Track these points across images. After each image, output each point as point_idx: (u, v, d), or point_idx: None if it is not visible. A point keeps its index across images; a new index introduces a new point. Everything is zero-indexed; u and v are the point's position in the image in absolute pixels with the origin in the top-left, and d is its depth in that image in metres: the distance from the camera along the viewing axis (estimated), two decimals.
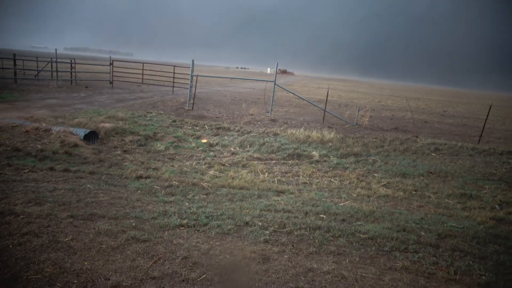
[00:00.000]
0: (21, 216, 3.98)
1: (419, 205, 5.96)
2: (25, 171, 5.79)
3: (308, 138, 9.83)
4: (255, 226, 4.29)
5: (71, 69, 21.93)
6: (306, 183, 6.91)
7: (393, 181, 7.26)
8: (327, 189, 6.56)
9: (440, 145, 10.36)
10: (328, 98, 14.33)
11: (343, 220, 4.84)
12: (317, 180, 7.10)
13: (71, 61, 22.34)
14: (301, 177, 7.28)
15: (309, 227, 4.36)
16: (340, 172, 7.75)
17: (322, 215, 4.90)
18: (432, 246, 4.10)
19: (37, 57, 24.35)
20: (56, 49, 21.34)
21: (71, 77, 21.49)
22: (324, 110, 13.22)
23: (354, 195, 6.33)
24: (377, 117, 16.22)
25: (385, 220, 4.92)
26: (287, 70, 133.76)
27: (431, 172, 8.00)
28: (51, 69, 21.46)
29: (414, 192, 6.68)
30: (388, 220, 4.93)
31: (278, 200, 5.53)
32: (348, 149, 9.28)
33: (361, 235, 4.26)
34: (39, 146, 7.05)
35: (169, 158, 7.85)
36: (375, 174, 7.66)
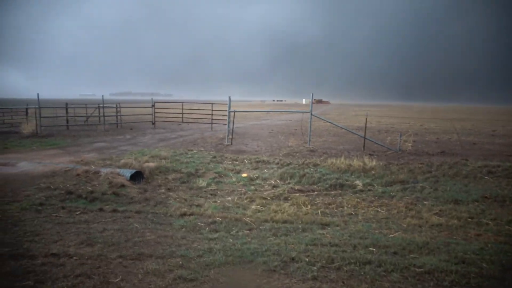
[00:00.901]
0: (74, 257, 4.14)
1: (477, 233, 5.54)
2: (77, 212, 6.07)
3: (350, 167, 9.61)
4: (301, 262, 4.17)
5: (117, 113, 23.25)
6: (352, 214, 6.67)
7: (445, 208, 6.84)
8: (374, 220, 6.29)
9: (493, 167, 9.72)
10: (367, 125, 14.06)
11: (395, 253, 4.59)
12: (362, 211, 6.84)
13: (116, 105, 23.74)
14: (345, 208, 7.05)
15: (359, 262, 4.17)
16: (386, 201, 7.45)
17: (371, 248, 4.68)
18: (496, 279, 3.76)
19: (86, 104, 26.15)
20: (102, 96, 22.82)
21: (117, 121, 22.73)
22: (364, 138, 12.95)
23: (404, 225, 6.01)
24: (421, 142, 15.63)
25: (441, 251, 4.61)
26: (323, 100, 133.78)
27: (486, 197, 7.48)
28: (99, 114, 22.87)
29: (469, 220, 6.24)
30: (444, 251, 4.61)
31: (323, 233, 5.37)
32: (393, 176, 8.93)
33: (416, 269, 4.00)
34: (89, 188, 7.40)
35: (211, 194, 7.93)
36: (425, 202, 7.28)
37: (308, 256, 4.34)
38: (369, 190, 8.17)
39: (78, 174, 8.31)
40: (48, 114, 23.70)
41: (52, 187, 7.41)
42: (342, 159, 10.16)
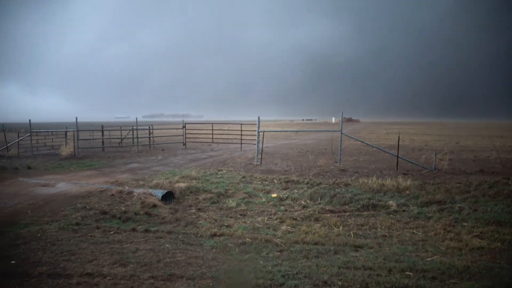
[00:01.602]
0: (108, 277, 4.21)
1: None
2: (111, 232, 6.21)
3: (383, 187, 9.34)
4: (334, 286, 4.04)
5: (149, 135, 23.95)
6: (386, 236, 6.43)
7: (486, 230, 6.47)
8: (410, 242, 6.03)
9: None
10: (399, 143, 13.70)
11: (433, 277, 4.36)
12: (397, 233, 6.59)
13: (149, 127, 24.48)
14: (379, 229, 6.82)
15: (394, 287, 3.99)
16: (422, 222, 7.14)
17: (408, 272, 4.48)
18: None
19: (120, 127, 27.13)
20: (136, 118, 23.63)
21: (149, 142, 23.39)
22: (397, 156, 12.60)
23: (443, 248, 5.72)
24: (457, 160, 15.01)
25: (483, 276, 4.34)
26: (352, 118, 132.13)
27: None
28: (132, 136, 23.66)
29: None
30: (488, 276, 4.34)
31: (356, 256, 5.20)
32: (429, 196, 8.58)
33: None
34: (123, 208, 7.58)
35: (241, 215, 7.91)
36: (464, 224, 6.91)
37: (341, 280, 4.20)
38: (403, 210, 7.89)
39: (112, 195, 8.56)
40: (85, 136, 24.75)
41: (87, 207, 7.65)
42: (374, 178, 9.90)
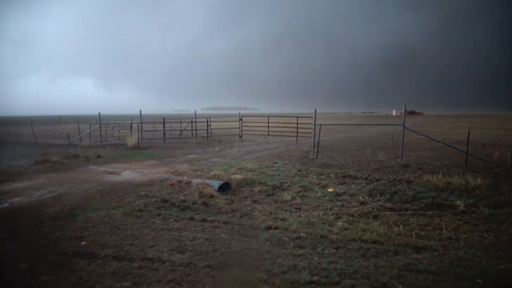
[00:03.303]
0: (166, 263, 4.39)
1: None
2: (171, 220, 6.47)
3: (449, 185, 8.68)
4: None
5: (207, 127, 24.66)
6: (452, 238, 5.97)
7: None
8: (479, 247, 5.54)
9: None
10: (469, 138, 12.65)
11: (508, 287, 3.96)
12: (465, 235, 6.09)
13: (207, 120, 25.21)
14: (444, 231, 6.36)
15: None
16: (494, 225, 6.54)
17: (478, 280, 4.11)
18: None
19: (180, 119, 28.27)
20: (195, 111, 24.44)
21: (207, 134, 24.08)
22: (466, 152, 11.66)
23: None
24: None
25: None
26: (415, 111, 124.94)
27: None
28: (191, 128, 24.49)
29: None
30: None
31: (419, 258, 4.89)
32: (503, 197, 7.82)
33: None
34: (182, 197, 7.87)
35: (296, 208, 7.83)
36: None
37: (401, 283, 3.97)
38: (472, 212, 7.28)
39: (172, 184, 8.92)
40: (149, 128, 26.09)
41: (150, 195, 8.06)
42: (440, 176, 9.24)
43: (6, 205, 7.31)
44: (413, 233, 6.18)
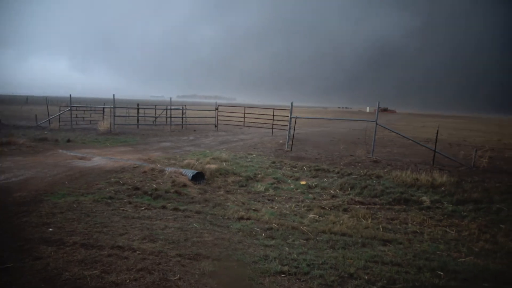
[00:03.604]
0: (137, 251, 4.34)
1: None
2: (142, 208, 6.39)
3: (416, 182, 9.01)
4: (360, 279, 3.95)
5: (182, 115, 24.35)
6: (417, 232, 6.23)
7: None
8: (442, 241, 5.81)
9: None
10: (437, 137, 13.11)
11: (465, 279, 4.19)
12: (429, 230, 6.36)
13: (182, 107, 24.87)
14: (410, 225, 6.62)
15: (424, 286, 3.86)
16: (457, 221, 6.86)
17: (439, 272, 4.31)
18: None
19: (155, 106, 27.72)
20: (171, 98, 24.04)
21: (182, 122, 23.79)
22: (434, 151, 12.10)
23: (477, 249, 5.47)
24: (499, 158, 14.23)
25: None
26: (388, 108, 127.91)
27: None
28: (166, 115, 24.09)
29: None
30: None
31: (385, 251, 5.07)
32: (465, 195, 8.19)
33: None
34: (154, 186, 7.77)
35: (269, 200, 7.91)
36: (501, 225, 6.56)
37: (367, 274, 4.10)
38: (437, 207, 7.60)
39: (144, 172, 8.78)
40: (122, 113, 25.48)
41: (121, 182, 7.90)
42: (409, 172, 9.57)
43: None
44: (381, 226, 6.40)
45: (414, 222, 6.73)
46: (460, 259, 4.92)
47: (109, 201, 6.63)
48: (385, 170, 10.35)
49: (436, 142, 12.81)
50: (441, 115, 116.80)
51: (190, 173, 8.70)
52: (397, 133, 14.20)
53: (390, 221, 6.81)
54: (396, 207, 7.66)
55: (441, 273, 4.28)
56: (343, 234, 5.76)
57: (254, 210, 6.97)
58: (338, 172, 10.15)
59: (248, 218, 6.29)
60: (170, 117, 22.57)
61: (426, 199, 7.93)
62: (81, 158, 10.55)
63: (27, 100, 66.48)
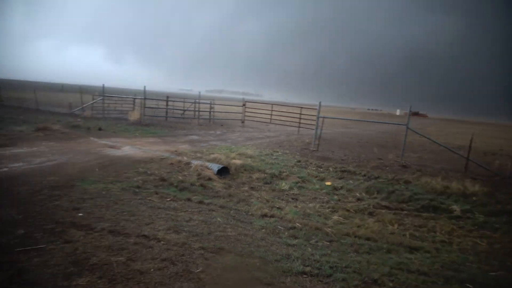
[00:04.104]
0: (162, 242, 4.42)
1: None
2: (168, 199, 6.49)
3: (447, 189, 8.70)
4: (385, 286, 3.86)
5: (210, 109, 24.58)
6: (445, 241, 6.02)
7: None
8: (471, 252, 5.58)
9: None
10: (471, 144, 12.62)
11: None
12: (458, 240, 6.13)
13: (210, 102, 25.09)
14: (438, 233, 6.40)
15: None
16: (488, 233, 6.58)
17: (468, 284, 4.15)
18: None
19: (184, 99, 28.12)
20: (199, 92, 24.31)
21: (210, 116, 24.01)
22: (467, 158, 11.66)
23: (509, 263, 5.23)
24: None
25: None
26: (419, 112, 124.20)
27: None
28: (194, 109, 24.39)
29: None
30: None
31: (411, 258, 4.93)
32: (499, 206, 7.84)
33: None
34: (180, 178, 7.88)
35: (293, 198, 7.86)
36: None
37: (392, 281, 4.00)
38: (468, 217, 7.31)
39: (171, 163, 8.92)
40: (152, 105, 26.00)
41: (148, 172, 8.07)
42: (439, 179, 9.26)
43: (5, 169, 7.32)
44: (407, 233, 6.22)
45: (443, 231, 6.50)
46: (491, 273, 4.72)
47: (137, 190, 6.78)
48: (414, 176, 10.05)
49: (469, 149, 12.32)
50: (474, 122, 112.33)
51: (215, 167, 8.76)
52: (428, 138, 13.77)
53: (418, 228, 6.60)
54: (424, 214, 7.43)
55: (470, 286, 4.11)
56: (368, 239, 5.64)
57: (278, 208, 6.94)
58: (364, 175, 9.95)
59: (272, 216, 6.28)
60: (198, 110, 22.83)
61: (456, 208, 7.65)
62: (111, 147, 10.86)
63: (62, 88, 69.02)
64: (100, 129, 15.18)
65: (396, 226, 6.57)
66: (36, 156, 8.76)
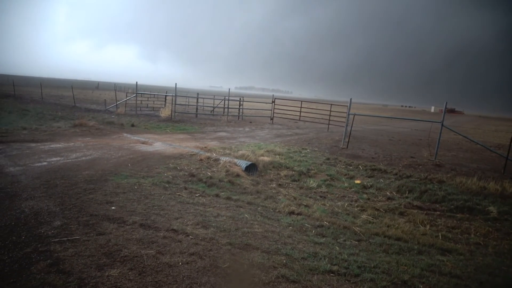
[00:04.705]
0: (190, 236, 4.51)
1: None
2: (197, 195, 6.61)
3: (483, 190, 8.34)
4: None
5: (239, 106, 24.73)
6: (480, 244, 5.78)
7: None
8: (509, 256, 5.33)
9: None
10: (511, 143, 12.01)
11: None
12: (494, 243, 5.87)
13: (239, 99, 25.24)
14: (472, 235, 6.16)
15: None
16: None
17: None
18: None
19: (214, 96, 28.43)
20: (229, 89, 24.50)
21: (239, 113, 24.17)
22: (506, 158, 11.11)
23: None
24: None
25: None
26: (455, 109, 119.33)
27: None
28: (224, 105, 24.62)
29: None
30: None
31: (443, 261, 4.77)
32: None
33: None
34: (209, 174, 8.00)
35: (321, 196, 7.80)
36: None
37: (423, 283, 3.89)
38: (505, 219, 6.98)
39: (201, 159, 9.07)
40: (182, 102, 26.49)
41: (178, 168, 8.24)
42: (475, 179, 8.89)
43: (45, 163, 7.71)
44: (440, 234, 6.02)
45: (478, 233, 6.25)
46: None
47: (167, 185, 6.94)
48: (449, 175, 9.69)
49: (510, 148, 11.73)
50: None
51: (243, 164, 8.83)
52: (464, 136, 13.22)
53: (451, 229, 6.38)
54: (458, 215, 7.16)
55: None
56: (398, 239, 5.51)
57: (306, 205, 6.91)
58: (396, 174, 9.70)
59: (299, 214, 6.26)
60: (228, 107, 23.04)
61: (493, 209, 7.32)
62: (143, 143, 11.17)
63: (98, 86, 71.58)
64: (133, 125, 15.65)
65: (428, 226, 6.38)
66: (73, 151, 9.16)
